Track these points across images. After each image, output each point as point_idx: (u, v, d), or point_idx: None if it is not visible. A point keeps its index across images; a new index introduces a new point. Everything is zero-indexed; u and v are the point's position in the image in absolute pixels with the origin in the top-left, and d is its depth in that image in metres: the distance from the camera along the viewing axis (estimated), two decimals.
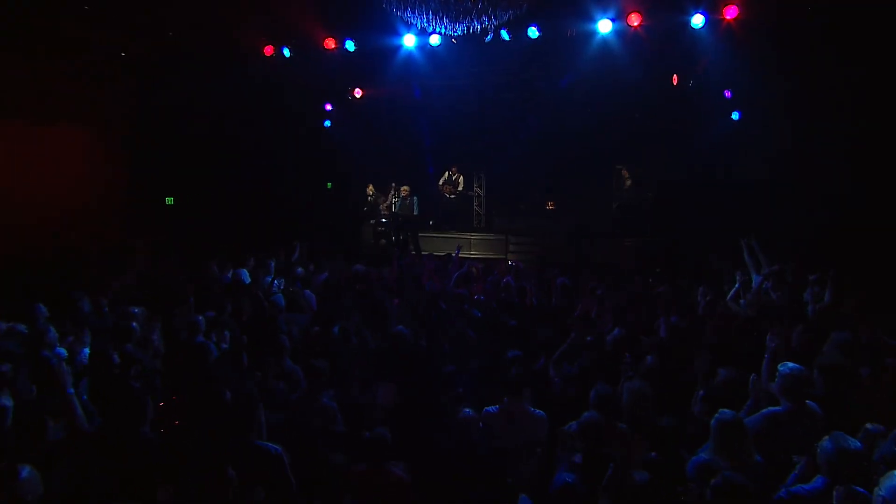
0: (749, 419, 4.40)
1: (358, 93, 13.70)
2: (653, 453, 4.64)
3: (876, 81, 8.28)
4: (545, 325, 7.40)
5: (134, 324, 6.11)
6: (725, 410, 4.03)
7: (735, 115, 11.88)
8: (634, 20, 9.05)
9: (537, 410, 5.10)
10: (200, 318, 6.79)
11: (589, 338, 6.36)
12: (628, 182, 13.72)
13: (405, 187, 14.40)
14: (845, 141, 9.06)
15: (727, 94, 11.69)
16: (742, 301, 8.40)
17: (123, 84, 11.45)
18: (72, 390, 3.85)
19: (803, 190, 10.06)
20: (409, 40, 10.68)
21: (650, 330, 7.41)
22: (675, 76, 11.52)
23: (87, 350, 5.67)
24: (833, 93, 8.93)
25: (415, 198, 14.47)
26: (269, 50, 11.31)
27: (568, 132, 12.92)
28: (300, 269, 10.22)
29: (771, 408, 4.50)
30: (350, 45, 10.94)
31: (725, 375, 5.45)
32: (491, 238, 14.71)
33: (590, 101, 12.02)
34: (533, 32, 9.71)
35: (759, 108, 9.94)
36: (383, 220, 15.06)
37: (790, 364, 4.53)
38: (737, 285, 8.45)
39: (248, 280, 9.62)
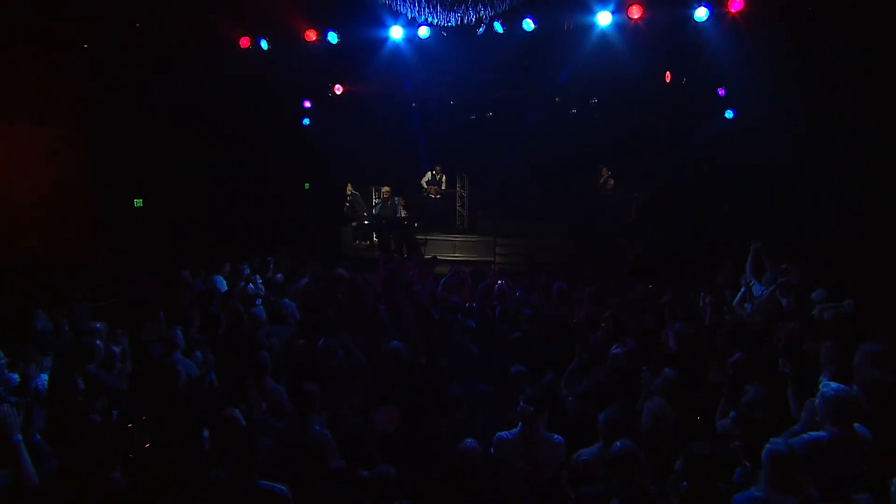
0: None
1: (338, 89, 13.10)
2: (684, 483, 4.20)
3: (888, 78, 7.99)
4: (551, 335, 6.93)
5: (98, 341, 5.47)
6: (777, 441, 3.59)
7: (729, 114, 11.60)
8: (635, 13, 8.62)
9: (555, 435, 4.62)
10: (179, 332, 6.19)
11: (617, 349, 5.85)
12: (611, 182, 13.39)
13: (386, 188, 13.86)
14: (853, 139, 8.78)
15: (721, 91, 11.42)
16: (747, 305, 8.10)
17: (87, 79, 10.69)
18: (19, 437, 3.21)
19: (806, 189, 9.79)
20: (396, 32, 10.12)
21: (656, 339, 7.01)
22: (668, 73, 11.18)
23: (44, 376, 5.01)
24: (840, 90, 8.63)
25: (396, 199, 13.97)
26: (245, 42, 10.59)
27: (558, 130, 12.53)
28: (280, 276, 9.65)
29: (813, 433, 4.08)
30: (332, 37, 10.30)
31: (755, 393, 5.04)
32: (475, 240, 14.27)
33: (585, 97, 11.62)
34: (528, 25, 9.24)
35: (762, 105, 9.62)
36: (365, 222, 14.52)
37: (833, 385, 4.13)
38: (742, 290, 8.14)
39: (224, 288, 9.02)
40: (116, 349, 5.76)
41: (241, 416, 4.10)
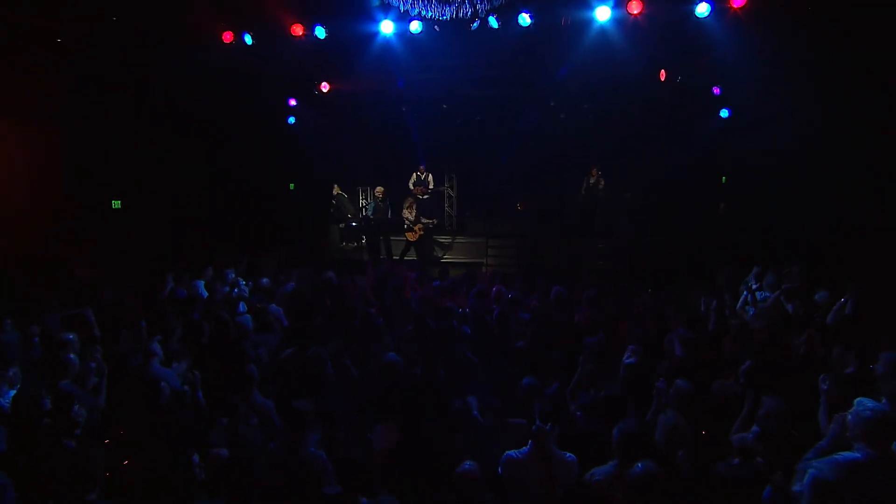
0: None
1: (325, 87, 12.69)
2: None
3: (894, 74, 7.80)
4: (554, 341, 6.62)
5: (71, 355, 5.05)
6: (821, 466, 3.33)
7: (724, 113, 11.41)
8: (635, 8, 8.36)
9: (567, 453, 4.33)
10: (157, 343, 5.79)
11: (630, 358, 5.56)
12: (602, 183, 13.16)
13: (379, 188, 13.49)
14: (858, 138, 8.58)
15: (716, 90, 11.23)
16: (749, 309, 7.89)
17: (61, 74, 10.18)
18: None
19: (806, 188, 9.61)
20: (387, 27, 9.75)
21: (660, 346, 6.74)
22: (662, 71, 10.94)
23: (11, 393, 4.61)
24: (845, 88, 8.42)
25: (388, 200, 13.66)
26: (228, 36, 10.15)
27: (553, 129, 12.23)
28: (265, 280, 9.23)
29: (846, 454, 3.80)
30: (320, 32, 9.91)
31: (772, 405, 4.77)
32: (465, 241, 13.97)
33: (579, 98, 11.33)
34: (524, 20, 8.94)
35: (764, 103, 9.40)
36: (353, 223, 14.16)
37: (869, 403, 3.86)
38: (745, 294, 7.92)
39: (205, 294, 8.61)
40: (91, 363, 5.34)
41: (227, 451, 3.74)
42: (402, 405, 4.86)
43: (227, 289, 8.64)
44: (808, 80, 8.46)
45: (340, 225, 14.47)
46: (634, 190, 12.93)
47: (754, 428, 4.43)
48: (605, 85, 10.81)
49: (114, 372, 5.58)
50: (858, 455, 3.73)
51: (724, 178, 12.24)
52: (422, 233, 13.21)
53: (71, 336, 5.47)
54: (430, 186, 14.32)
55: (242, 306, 8.07)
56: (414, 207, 13.36)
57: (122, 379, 5.50)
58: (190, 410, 4.82)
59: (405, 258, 13.23)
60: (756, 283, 8.03)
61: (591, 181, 13.22)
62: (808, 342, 5.60)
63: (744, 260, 9.44)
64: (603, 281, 9.79)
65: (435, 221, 13.59)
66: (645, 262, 11.16)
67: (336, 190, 14.57)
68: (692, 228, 11.38)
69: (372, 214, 13.49)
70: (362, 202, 15.20)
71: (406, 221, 13.24)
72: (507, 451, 4.29)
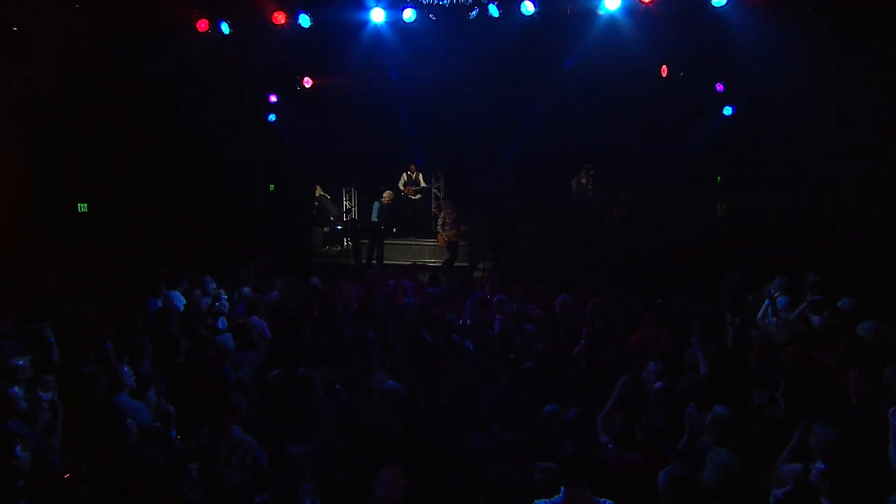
0: None
1: (307, 82, 12.02)
2: None
3: None
4: (567, 360, 6.04)
5: (16, 388, 4.29)
6: None
7: (728, 111, 10.97)
8: None
9: (603, 500, 3.74)
10: (126, 367, 5.10)
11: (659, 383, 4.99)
12: (591, 184, 12.69)
13: (388, 192, 13.03)
14: (878, 138, 8.13)
15: (719, 87, 10.79)
16: (771, 319, 7.41)
17: (19, 65, 9.38)
18: None
19: (809, 189, 9.19)
20: (378, 15, 9.13)
21: (679, 360, 6.20)
22: (664, 67, 10.46)
23: None
24: (863, 85, 7.96)
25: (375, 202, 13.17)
26: (203, 24, 9.50)
27: (548, 128, 11.69)
28: (247, 290, 8.52)
29: None
30: (304, 20, 9.27)
31: (829, 437, 4.23)
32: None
33: (581, 91, 10.79)
34: (526, 9, 8.37)
35: (778, 99, 8.94)
36: (337, 226, 13.68)
37: None
38: (766, 302, 7.45)
39: (183, 303, 7.90)
40: (44, 393, 4.61)
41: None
42: (407, 444, 4.20)
43: (208, 300, 7.94)
44: (826, 76, 7.97)
45: (325, 229, 13.89)
46: (632, 190, 12.47)
47: (819, 465, 3.89)
48: (608, 80, 10.29)
49: (76, 401, 4.90)
50: None
51: (718, 178, 11.86)
52: (455, 239, 12.54)
53: (21, 362, 4.72)
54: (422, 184, 13.84)
55: (223, 323, 7.39)
56: (451, 212, 12.61)
57: (83, 412, 4.80)
58: (160, 452, 4.12)
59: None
60: (777, 291, 7.55)
61: (583, 181, 12.78)
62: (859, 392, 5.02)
63: (744, 263, 9.10)
64: (602, 283, 9.29)
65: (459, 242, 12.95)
66: (643, 265, 10.71)
67: (318, 191, 14.00)
68: (691, 229, 10.96)
69: (379, 219, 12.95)
70: (346, 204, 14.67)
71: (439, 225, 12.52)
72: (536, 501, 3.69)
